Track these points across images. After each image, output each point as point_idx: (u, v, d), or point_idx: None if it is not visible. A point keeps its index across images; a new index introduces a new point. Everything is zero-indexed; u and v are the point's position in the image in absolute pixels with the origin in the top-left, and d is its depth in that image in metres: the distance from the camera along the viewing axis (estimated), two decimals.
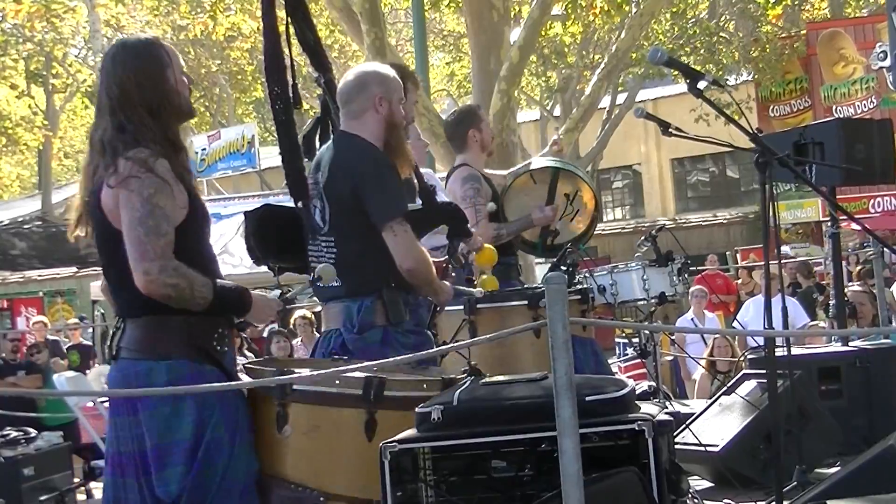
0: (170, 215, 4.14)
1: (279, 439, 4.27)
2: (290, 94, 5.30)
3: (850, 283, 14.90)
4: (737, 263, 23.42)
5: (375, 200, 4.95)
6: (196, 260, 4.24)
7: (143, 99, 4.25)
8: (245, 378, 4.45)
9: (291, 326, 13.79)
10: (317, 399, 4.24)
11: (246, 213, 5.39)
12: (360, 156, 5.07)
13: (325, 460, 4.22)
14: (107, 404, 12.72)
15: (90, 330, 23.10)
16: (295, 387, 4.26)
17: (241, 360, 4.74)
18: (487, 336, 4.52)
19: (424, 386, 4.37)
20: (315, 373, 4.29)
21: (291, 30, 5.50)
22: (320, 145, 5.44)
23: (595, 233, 7.64)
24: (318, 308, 6.00)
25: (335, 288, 5.02)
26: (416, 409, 3.99)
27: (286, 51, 5.40)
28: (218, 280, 4.24)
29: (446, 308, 6.00)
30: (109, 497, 4.32)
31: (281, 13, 5.59)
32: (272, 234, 5.32)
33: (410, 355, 4.56)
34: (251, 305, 4.32)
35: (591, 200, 7.47)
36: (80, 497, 10.85)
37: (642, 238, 7.95)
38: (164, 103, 4.30)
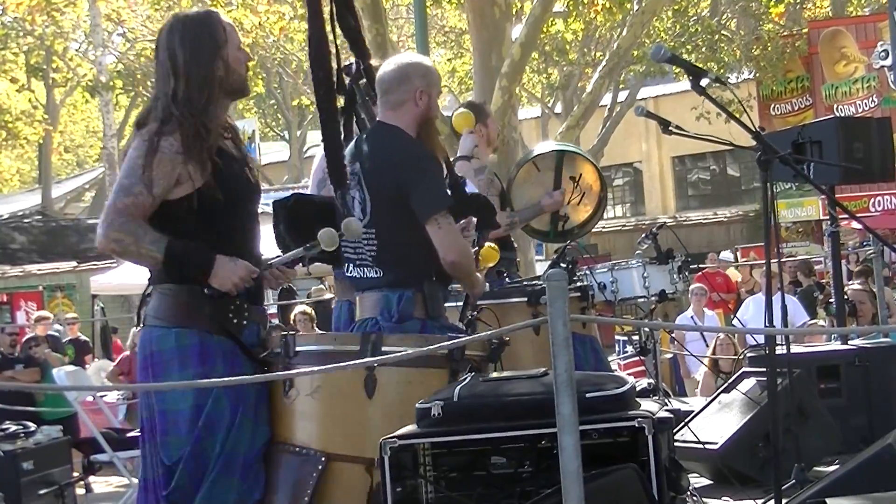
0: (154, 180, 4.18)
1: (286, 404, 4.33)
2: (334, 80, 5.30)
3: (850, 282, 14.93)
4: (737, 261, 23.42)
5: (420, 194, 4.93)
6: (222, 238, 4.31)
7: (191, 72, 4.29)
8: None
9: (291, 322, 13.79)
10: (318, 359, 4.31)
11: (275, 203, 5.37)
12: (403, 148, 5.06)
13: (326, 420, 4.28)
14: (106, 399, 12.78)
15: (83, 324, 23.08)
16: (298, 348, 4.33)
17: None
18: (487, 333, 4.53)
19: (427, 342, 4.43)
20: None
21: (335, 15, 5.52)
22: (344, 134, 5.42)
23: (595, 230, 7.64)
24: (329, 296, 6.05)
25: (374, 279, 5.02)
26: (417, 405, 4.00)
27: (330, 36, 5.38)
28: (174, 239, 4.22)
29: (446, 304, 6.00)
30: (141, 463, 4.45)
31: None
32: (303, 224, 5.32)
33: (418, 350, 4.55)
34: (212, 268, 4.27)
35: (596, 182, 7.46)
36: (80, 491, 10.84)
37: (643, 236, 7.95)
38: (212, 78, 4.32)
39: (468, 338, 4.48)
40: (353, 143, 5.26)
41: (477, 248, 5.46)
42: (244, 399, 4.27)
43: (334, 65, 5.28)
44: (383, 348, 4.31)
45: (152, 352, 4.31)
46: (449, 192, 5.26)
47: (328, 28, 5.40)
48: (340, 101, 5.42)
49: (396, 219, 4.98)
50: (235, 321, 4.33)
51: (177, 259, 4.22)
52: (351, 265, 5.13)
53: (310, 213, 5.36)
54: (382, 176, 5.01)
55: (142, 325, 4.43)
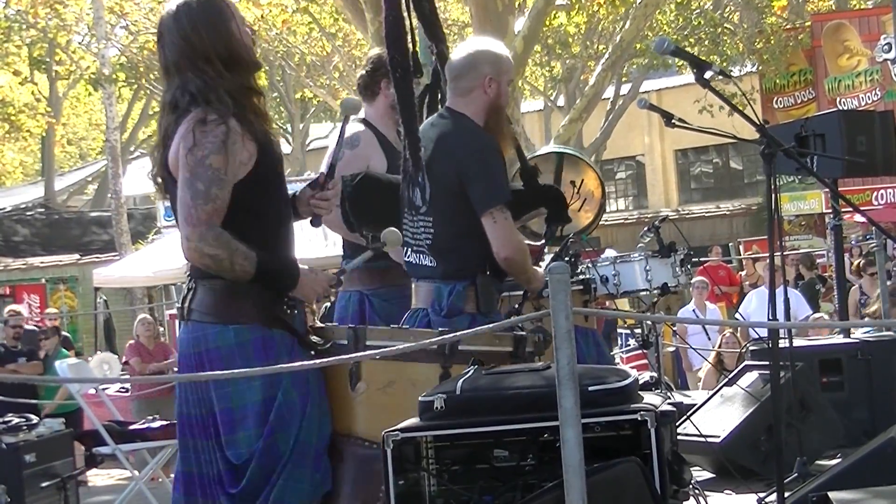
0: (224, 178, 4.09)
1: (351, 397, 4.28)
2: (410, 62, 5.27)
3: (859, 277, 14.91)
4: (740, 255, 23.40)
5: (479, 186, 4.91)
6: (259, 218, 4.24)
7: (212, 50, 4.21)
8: (314, 340, 4.40)
9: None
10: (391, 354, 4.22)
11: (343, 178, 5.34)
12: (467, 138, 5.03)
13: (400, 416, 4.19)
14: (108, 391, 12.79)
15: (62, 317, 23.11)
16: (368, 342, 4.28)
17: None
18: (490, 325, 4.52)
19: (497, 341, 4.45)
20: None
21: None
22: (427, 115, 5.40)
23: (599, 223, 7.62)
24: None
25: (429, 268, 5.04)
26: (420, 398, 4.00)
27: (406, 17, 5.39)
28: (263, 253, 4.16)
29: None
30: (181, 455, 4.34)
31: None
32: (369, 202, 5.31)
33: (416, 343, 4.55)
34: (298, 281, 4.27)
35: (598, 188, 7.44)
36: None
37: (645, 229, 7.94)
38: (233, 54, 4.25)
39: (505, 323, 4.45)
40: (422, 126, 5.24)
41: (545, 241, 5.44)
42: (311, 389, 4.24)
43: (409, 47, 5.29)
44: (460, 346, 4.28)
45: (207, 349, 4.20)
46: (516, 184, 5.24)
47: (403, 11, 5.42)
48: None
49: (454, 209, 4.97)
50: (288, 311, 4.27)
51: (268, 275, 4.18)
52: (409, 250, 5.14)
53: (374, 192, 5.35)
54: (443, 165, 5.01)
55: (185, 320, 4.31)
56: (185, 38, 4.23)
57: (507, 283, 5.38)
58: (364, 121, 6.16)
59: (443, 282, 5.00)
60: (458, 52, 5.26)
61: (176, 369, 12.63)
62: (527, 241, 5.20)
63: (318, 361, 4.14)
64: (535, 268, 5.23)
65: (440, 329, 4.42)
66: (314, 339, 4.36)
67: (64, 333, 17.92)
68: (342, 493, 4.28)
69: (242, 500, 4.15)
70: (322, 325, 4.56)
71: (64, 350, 14.45)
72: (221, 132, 4.08)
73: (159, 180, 4.34)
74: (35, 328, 15.29)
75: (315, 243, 16.65)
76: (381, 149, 6.06)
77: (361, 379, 4.27)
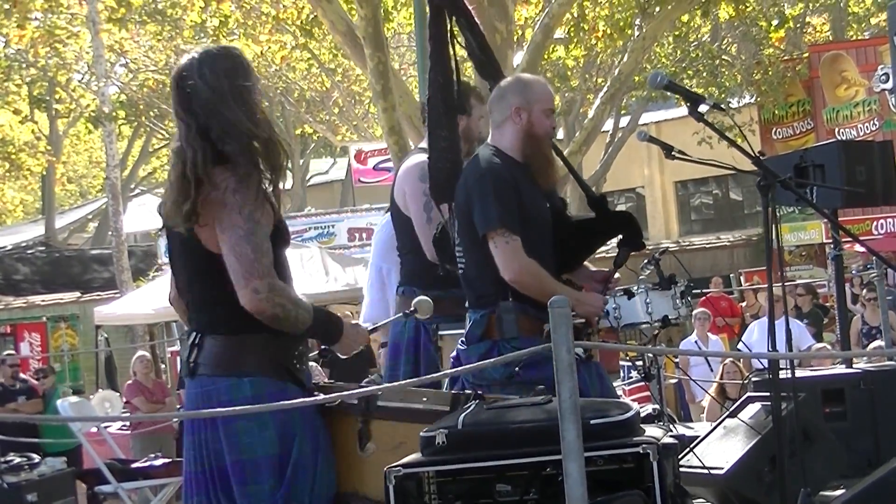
0: (267, 232, 4.13)
1: (359, 457, 4.25)
2: (454, 98, 5.43)
3: (855, 306, 14.90)
4: (741, 286, 23.39)
5: (477, 210, 4.99)
6: (284, 273, 4.26)
7: (249, 102, 4.17)
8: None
9: None
10: (403, 415, 4.23)
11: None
12: (474, 166, 5.10)
13: None
14: (110, 429, 12.76)
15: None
16: (379, 403, 4.25)
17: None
18: (492, 360, 4.51)
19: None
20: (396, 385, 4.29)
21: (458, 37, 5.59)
22: None
23: (598, 255, 7.62)
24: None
25: (466, 297, 5.14)
26: (420, 434, 3.99)
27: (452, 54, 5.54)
28: (313, 305, 4.22)
29: (448, 331, 5.97)
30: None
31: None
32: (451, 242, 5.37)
33: (409, 380, 4.56)
34: (342, 334, 4.30)
35: None
36: None
37: (645, 261, 7.94)
38: (256, 111, 4.21)
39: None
40: None
41: (615, 266, 5.44)
42: (321, 444, 4.22)
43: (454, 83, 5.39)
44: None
45: (220, 402, 4.13)
46: (587, 214, 5.28)
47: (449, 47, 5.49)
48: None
49: (472, 238, 5.05)
50: (299, 366, 4.27)
51: (322, 325, 4.22)
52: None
53: None
54: (459, 195, 5.12)
55: (191, 376, 4.27)
56: (213, 88, 4.14)
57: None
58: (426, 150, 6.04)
59: (472, 310, 5.11)
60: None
61: (179, 406, 12.61)
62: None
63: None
64: (582, 292, 5.21)
65: (452, 392, 4.43)
66: (321, 396, 4.34)
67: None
68: None
69: None
70: (331, 382, 4.56)
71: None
72: (257, 188, 4.12)
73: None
74: None
75: (315, 279, 16.68)
76: None
77: (371, 439, 4.24)
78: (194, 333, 4.27)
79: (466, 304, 5.19)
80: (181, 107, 4.21)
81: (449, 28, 5.65)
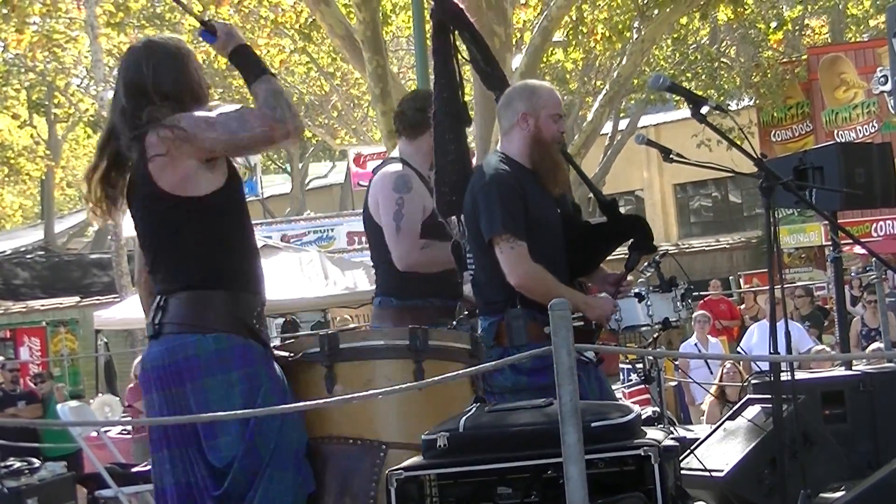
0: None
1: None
2: (459, 108, 5.45)
3: (855, 308, 14.90)
4: (740, 288, 23.40)
5: (483, 216, 5.00)
6: (236, 230, 4.41)
7: (171, 88, 4.31)
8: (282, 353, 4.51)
9: None
10: (366, 354, 4.36)
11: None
12: (482, 174, 5.11)
13: (380, 411, 4.34)
14: (110, 434, 12.75)
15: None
16: (342, 345, 4.36)
17: None
18: (494, 363, 4.51)
19: (460, 338, 4.68)
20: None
21: (461, 49, 5.62)
22: None
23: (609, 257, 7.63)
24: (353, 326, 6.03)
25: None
26: (423, 437, 4.00)
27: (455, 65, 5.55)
28: None
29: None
30: (155, 472, 4.37)
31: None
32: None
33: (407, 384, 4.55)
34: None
35: None
36: None
37: (646, 264, 7.94)
38: (188, 94, 4.35)
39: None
40: None
41: (626, 270, 5.45)
42: (289, 393, 4.32)
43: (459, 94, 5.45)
44: (430, 342, 4.40)
45: (186, 357, 4.23)
46: (598, 218, 5.29)
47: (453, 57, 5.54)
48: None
49: (480, 245, 5.06)
50: (258, 326, 4.36)
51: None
52: None
53: None
54: (466, 203, 5.14)
55: (156, 336, 4.34)
56: (140, 75, 4.33)
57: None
58: (402, 160, 6.00)
59: (483, 317, 5.13)
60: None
61: None
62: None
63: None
64: (590, 296, 5.26)
65: (410, 326, 4.52)
66: (282, 353, 4.47)
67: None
68: (330, 490, 4.32)
69: (226, 502, 4.19)
70: (290, 338, 4.62)
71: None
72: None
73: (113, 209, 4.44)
74: None
75: (315, 282, 16.67)
76: (425, 188, 5.90)
77: (337, 382, 4.33)
78: (159, 297, 4.36)
79: (477, 312, 5.21)
80: (120, 88, 4.40)
81: (452, 42, 5.66)
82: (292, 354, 4.46)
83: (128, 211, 4.44)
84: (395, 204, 5.80)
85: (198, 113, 4.24)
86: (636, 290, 5.68)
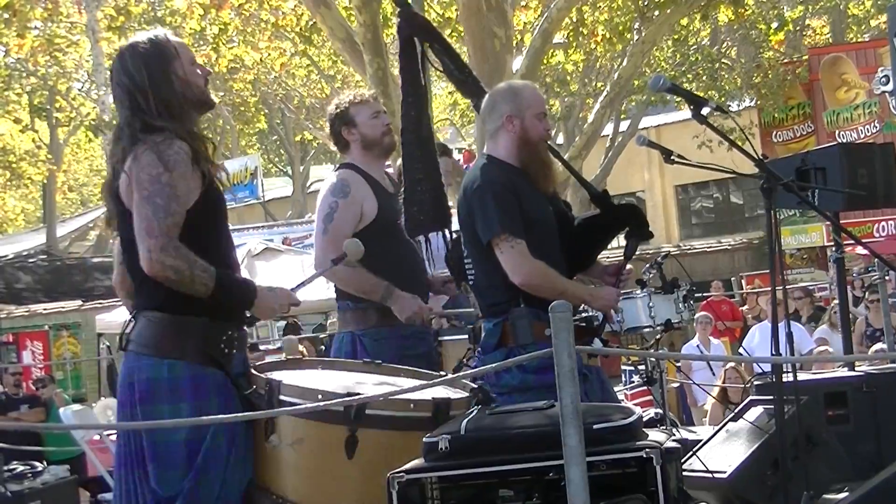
0: (181, 196, 4.12)
1: (268, 449, 4.26)
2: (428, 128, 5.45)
3: (857, 308, 14.89)
4: (742, 289, 23.39)
5: (479, 219, 5.00)
6: (210, 246, 4.24)
7: (154, 88, 4.25)
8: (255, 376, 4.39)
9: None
10: (301, 412, 4.21)
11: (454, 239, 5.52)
12: (473, 179, 5.11)
13: (305, 474, 4.23)
14: (113, 437, 12.75)
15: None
16: (281, 397, 4.24)
17: None
18: (494, 365, 4.51)
19: (412, 406, 4.33)
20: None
21: (432, 61, 5.63)
22: None
23: (601, 258, 7.62)
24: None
25: (479, 306, 5.15)
26: (423, 439, 3.99)
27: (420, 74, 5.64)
28: (221, 269, 4.18)
29: (450, 336, 5.98)
30: (116, 491, 4.35)
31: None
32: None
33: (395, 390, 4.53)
34: (256, 298, 4.27)
35: None
36: None
37: (647, 265, 7.94)
38: (175, 96, 4.28)
39: (447, 375, 4.45)
40: None
41: (624, 258, 5.46)
42: (237, 435, 4.23)
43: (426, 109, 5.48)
44: (367, 412, 4.20)
45: (140, 380, 4.21)
46: (591, 211, 5.29)
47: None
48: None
49: (479, 248, 5.05)
50: (226, 351, 4.28)
51: (226, 289, 4.18)
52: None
53: None
54: (461, 207, 5.12)
55: (125, 350, 4.33)
56: (130, 78, 4.28)
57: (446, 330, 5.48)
58: (351, 165, 6.11)
59: (485, 319, 5.11)
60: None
61: None
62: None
63: (243, 415, 4.17)
64: (596, 287, 5.27)
65: (347, 393, 4.27)
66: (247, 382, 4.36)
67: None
68: None
69: None
70: (256, 371, 4.49)
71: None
72: (175, 152, 4.13)
73: (113, 220, 4.41)
74: None
75: (316, 284, 16.65)
76: (371, 191, 5.98)
77: (275, 432, 4.24)
78: (133, 309, 4.38)
79: (479, 314, 5.20)
80: (115, 89, 4.37)
81: (420, 58, 5.69)
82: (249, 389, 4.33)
83: None
84: (329, 207, 5.89)
85: (148, 177, 4.11)
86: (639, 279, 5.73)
